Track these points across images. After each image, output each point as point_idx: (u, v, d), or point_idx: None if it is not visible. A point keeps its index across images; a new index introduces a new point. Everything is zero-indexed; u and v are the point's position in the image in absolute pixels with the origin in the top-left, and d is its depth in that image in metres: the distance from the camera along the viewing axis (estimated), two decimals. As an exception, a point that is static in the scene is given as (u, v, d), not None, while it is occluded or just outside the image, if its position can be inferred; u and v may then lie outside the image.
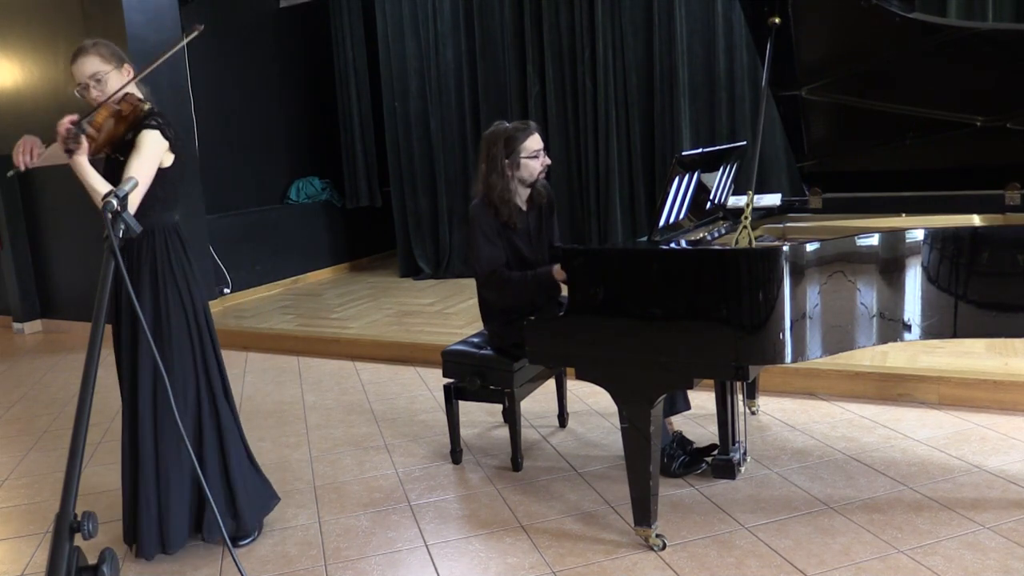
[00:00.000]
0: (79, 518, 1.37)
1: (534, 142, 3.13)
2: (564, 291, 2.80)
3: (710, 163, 2.93)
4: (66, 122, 2.43)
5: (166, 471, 2.64)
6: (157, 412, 2.62)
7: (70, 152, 2.41)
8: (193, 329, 2.68)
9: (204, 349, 2.72)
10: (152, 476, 2.63)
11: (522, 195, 3.20)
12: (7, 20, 6.34)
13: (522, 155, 3.10)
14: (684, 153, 2.69)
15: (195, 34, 2.35)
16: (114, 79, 2.56)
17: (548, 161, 3.20)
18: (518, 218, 3.17)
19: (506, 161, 3.10)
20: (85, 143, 2.43)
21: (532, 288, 3.07)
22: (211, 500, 2.18)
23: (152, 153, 2.50)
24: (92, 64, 2.55)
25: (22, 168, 2.55)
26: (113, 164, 2.59)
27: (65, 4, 5.95)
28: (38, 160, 2.59)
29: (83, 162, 2.43)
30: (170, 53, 2.52)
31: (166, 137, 2.54)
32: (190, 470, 2.67)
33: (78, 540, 1.37)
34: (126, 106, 2.53)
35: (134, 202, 2.44)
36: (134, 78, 2.58)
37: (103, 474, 3.50)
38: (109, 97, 2.51)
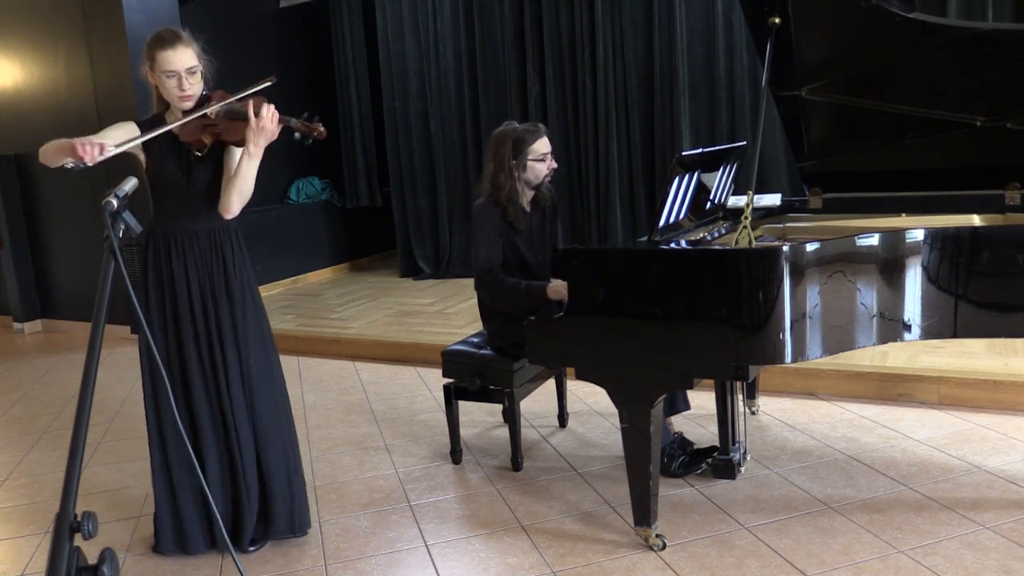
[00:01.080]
0: (79, 518, 1.37)
1: (542, 145, 3.13)
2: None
3: (710, 163, 2.93)
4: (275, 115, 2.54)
5: (269, 466, 2.68)
6: (254, 408, 2.64)
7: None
8: (264, 320, 2.73)
9: (271, 341, 2.75)
10: (255, 473, 2.67)
11: (526, 197, 3.21)
12: (7, 20, 6.33)
13: (529, 157, 3.11)
14: (684, 153, 2.69)
15: (268, 84, 2.54)
16: (199, 76, 2.59)
17: (555, 165, 3.20)
18: (521, 219, 3.17)
19: (513, 162, 3.10)
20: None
21: (523, 298, 3.03)
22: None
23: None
24: (192, 57, 2.54)
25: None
26: (188, 157, 2.58)
27: (65, 4, 5.94)
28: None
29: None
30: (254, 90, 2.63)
31: None
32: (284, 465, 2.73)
33: (78, 540, 1.37)
34: None
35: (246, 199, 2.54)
36: (227, 101, 2.62)
37: (103, 474, 3.50)
38: (226, 101, 2.55)
